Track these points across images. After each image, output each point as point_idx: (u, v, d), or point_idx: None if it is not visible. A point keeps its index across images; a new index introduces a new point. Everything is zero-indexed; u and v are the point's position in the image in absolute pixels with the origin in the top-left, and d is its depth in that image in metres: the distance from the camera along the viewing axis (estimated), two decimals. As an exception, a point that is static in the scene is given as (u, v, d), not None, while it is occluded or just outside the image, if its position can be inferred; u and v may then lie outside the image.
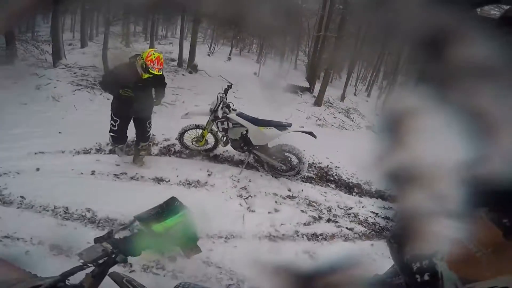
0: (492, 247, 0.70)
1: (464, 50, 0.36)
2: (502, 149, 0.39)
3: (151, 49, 2.79)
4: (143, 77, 2.79)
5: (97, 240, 0.89)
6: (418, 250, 0.72)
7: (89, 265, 0.83)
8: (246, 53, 15.09)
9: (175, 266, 2.05)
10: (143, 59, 2.70)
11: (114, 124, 2.98)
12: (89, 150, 3.42)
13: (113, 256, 0.86)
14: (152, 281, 1.95)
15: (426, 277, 0.79)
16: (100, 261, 0.84)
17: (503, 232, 0.68)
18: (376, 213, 3.18)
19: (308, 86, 8.06)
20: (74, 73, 5.75)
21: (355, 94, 10.81)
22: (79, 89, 5.14)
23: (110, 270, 0.89)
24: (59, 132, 3.69)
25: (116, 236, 0.91)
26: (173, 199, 1.01)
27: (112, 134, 3.03)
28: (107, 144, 3.54)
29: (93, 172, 3.01)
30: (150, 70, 2.71)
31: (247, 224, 2.66)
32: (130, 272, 1.97)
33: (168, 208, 0.98)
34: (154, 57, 2.71)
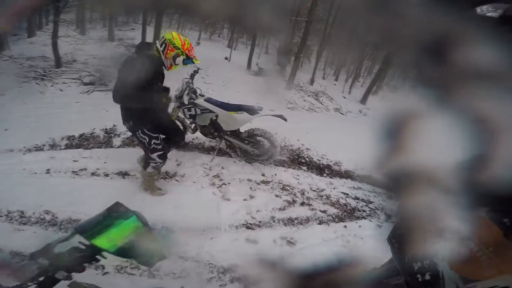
0: (493, 246, 0.71)
1: (462, 50, 0.35)
2: (503, 149, 0.38)
3: (174, 34, 2.25)
4: (169, 71, 2.34)
5: (32, 256, 0.79)
6: (419, 249, 0.71)
7: (28, 284, 0.75)
8: (216, 37, 14.65)
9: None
10: (179, 49, 2.22)
11: (158, 142, 2.44)
12: (42, 147, 3.12)
13: (51, 273, 0.77)
14: (128, 281, 1.87)
15: (427, 277, 0.80)
16: (41, 279, 0.76)
17: (504, 232, 0.69)
18: (347, 194, 3.27)
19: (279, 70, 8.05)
20: (21, 64, 5.27)
21: (323, 78, 11.06)
22: (26, 81, 4.68)
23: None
24: (5, 129, 3.34)
25: (56, 250, 0.82)
26: (117, 205, 0.90)
27: (160, 153, 2.50)
28: (62, 138, 3.25)
29: (48, 171, 2.75)
30: (193, 61, 2.31)
31: (222, 213, 2.59)
32: (103, 274, 1.87)
33: (111, 215, 0.87)
34: (188, 44, 2.26)
